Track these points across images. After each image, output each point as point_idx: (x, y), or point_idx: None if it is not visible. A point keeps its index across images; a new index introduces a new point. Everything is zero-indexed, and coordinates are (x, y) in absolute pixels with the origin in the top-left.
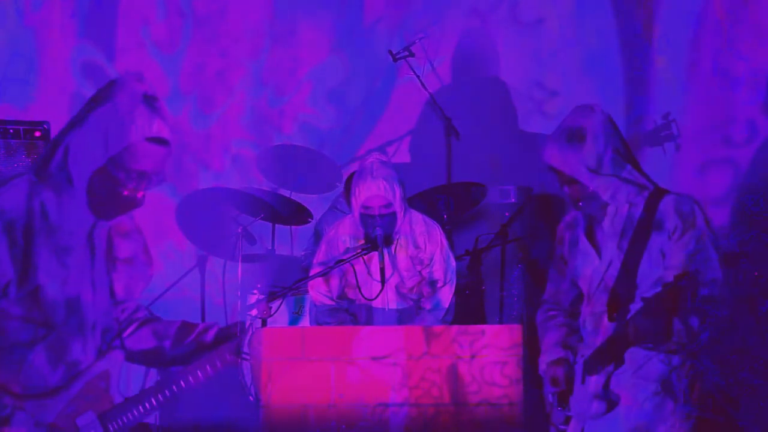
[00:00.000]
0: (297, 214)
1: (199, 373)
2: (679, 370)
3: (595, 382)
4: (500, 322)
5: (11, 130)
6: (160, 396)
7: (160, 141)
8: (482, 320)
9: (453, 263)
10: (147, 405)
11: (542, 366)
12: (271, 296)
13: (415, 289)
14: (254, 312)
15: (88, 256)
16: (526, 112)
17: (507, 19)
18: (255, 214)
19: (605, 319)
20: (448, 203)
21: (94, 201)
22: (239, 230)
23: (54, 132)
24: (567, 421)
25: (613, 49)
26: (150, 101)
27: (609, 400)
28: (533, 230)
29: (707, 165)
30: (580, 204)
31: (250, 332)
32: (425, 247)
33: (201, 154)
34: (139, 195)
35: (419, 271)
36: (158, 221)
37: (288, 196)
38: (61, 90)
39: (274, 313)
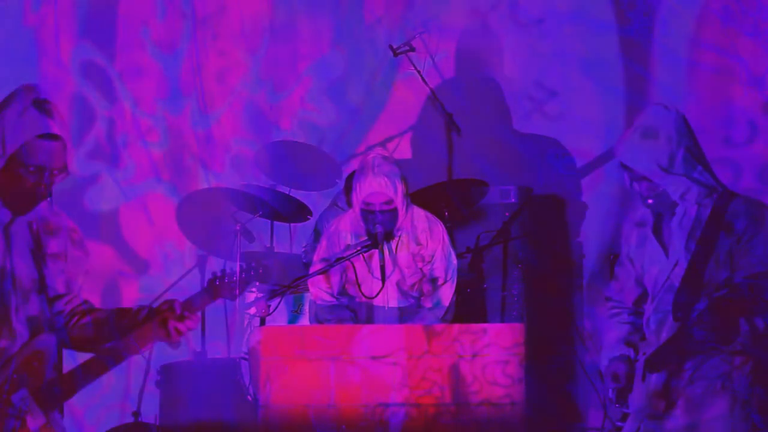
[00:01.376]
0: (296, 212)
1: (131, 346)
2: (740, 370)
3: (655, 380)
4: (502, 321)
5: None
6: (93, 370)
7: (51, 137)
8: (484, 319)
9: (454, 261)
10: (80, 380)
11: (603, 362)
12: (270, 294)
13: (416, 287)
14: (253, 310)
15: (4, 248)
16: (526, 112)
17: (507, 19)
18: (253, 211)
19: (670, 319)
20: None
21: (5, 197)
22: (237, 227)
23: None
24: (624, 417)
25: (613, 49)
26: (39, 104)
27: (669, 399)
28: (533, 230)
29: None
30: (649, 202)
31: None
32: (427, 244)
33: (201, 154)
34: (42, 188)
35: (420, 268)
36: (158, 221)
37: (287, 193)
38: (61, 90)
39: (273, 311)
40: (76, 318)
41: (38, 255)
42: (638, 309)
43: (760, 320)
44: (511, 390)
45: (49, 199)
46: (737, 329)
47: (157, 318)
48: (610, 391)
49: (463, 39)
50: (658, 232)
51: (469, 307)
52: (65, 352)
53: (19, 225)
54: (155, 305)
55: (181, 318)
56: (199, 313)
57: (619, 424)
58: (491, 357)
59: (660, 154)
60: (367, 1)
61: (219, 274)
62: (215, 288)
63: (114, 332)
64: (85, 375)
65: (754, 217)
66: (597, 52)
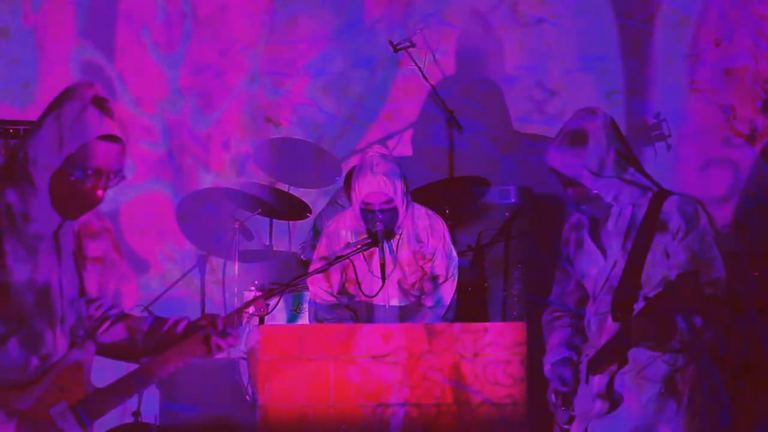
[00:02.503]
0: (295, 209)
1: (169, 363)
2: (683, 371)
3: (598, 381)
4: (503, 320)
5: (11, 130)
6: (132, 385)
7: (112, 138)
8: (485, 318)
9: (455, 259)
10: (120, 394)
11: (546, 366)
12: (269, 293)
13: (416, 285)
14: (251, 309)
15: (54, 254)
16: (526, 112)
17: (507, 19)
18: (252, 209)
19: (609, 320)
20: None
21: (57, 201)
22: (236, 225)
23: None
24: (570, 420)
25: (613, 48)
26: (99, 102)
27: (612, 399)
28: (533, 230)
29: (707, 165)
30: (582, 207)
31: (234, 325)
32: (428, 242)
33: (201, 154)
34: (99, 193)
35: (421, 267)
36: (158, 221)
37: (286, 190)
38: (61, 90)
39: (272, 310)
40: (107, 323)
41: (79, 258)
42: (580, 312)
43: (698, 318)
44: (512, 390)
45: None
46: (674, 327)
47: (199, 334)
48: (554, 395)
49: (463, 39)
50: (594, 234)
51: (470, 305)
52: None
53: (66, 230)
54: (193, 318)
55: (224, 335)
56: (239, 330)
57: (566, 427)
58: (492, 356)
59: (589, 159)
60: (367, 1)
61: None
62: (255, 304)
63: (150, 343)
64: (122, 389)
65: (687, 215)
66: (597, 52)
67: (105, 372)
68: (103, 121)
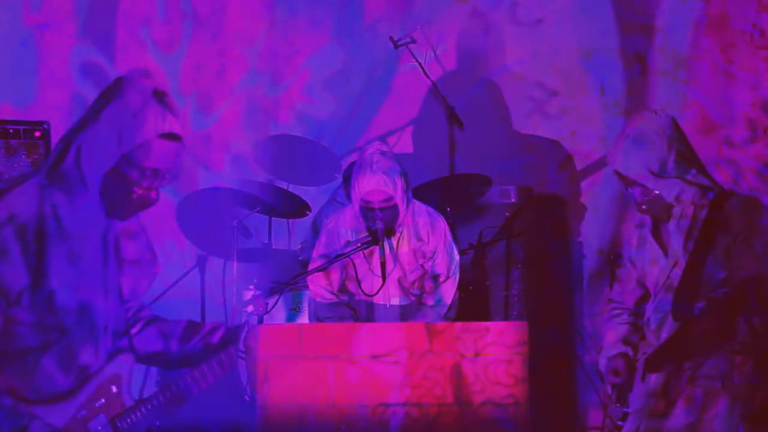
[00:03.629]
0: (294, 207)
1: (208, 375)
2: (740, 369)
3: (655, 380)
4: (505, 319)
5: (11, 130)
6: (170, 399)
7: (173, 137)
8: (486, 317)
9: (456, 257)
10: (158, 408)
11: (602, 361)
12: (268, 292)
13: (417, 284)
14: (250, 308)
15: (101, 260)
16: (526, 112)
17: (507, 19)
18: (251, 207)
19: (670, 319)
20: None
21: (108, 202)
22: (234, 223)
23: (54, 132)
24: (624, 417)
25: (613, 49)
26: (160, 97)
27: (668, 398)
28: (535, 229)
29: (707, 165)
30: (644, 207)
31: (246, 329)
32: (428, 240)
33: (201, 154)
34: (153, 194)
35: (421, 265)
36: (158, 221)
37: (285, 188)
38: (61, 90)
39: (271, 309)
40: (138, 325)
41: (118, 260)
42: (639, 310)
43: (758, 319)
44: (514, 390)
45: None
46: (736, 328)
47: (238, 345)
48: (610, 388)
49: (463, 39)
50: (656, 233)
51: (471, 304)
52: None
53: (111, 232)
54: (231, 325)
55: None
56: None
57: (620, 423)
58: (494, 356)
59: (651, 160)
60: (368, 2)
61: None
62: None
63: (185, 350)
64: (161, 403)
65: (750, 216)
66: (597, 52)
67: (140, 383)
68: (165, 118)
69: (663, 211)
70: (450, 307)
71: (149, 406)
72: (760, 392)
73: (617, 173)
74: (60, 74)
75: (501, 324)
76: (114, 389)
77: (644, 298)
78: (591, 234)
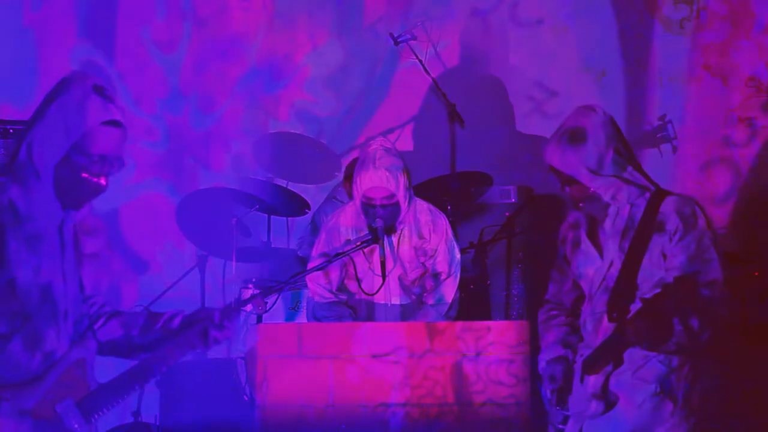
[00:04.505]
0: (294, 205)
1: (168, 357)
2: (678, 371)
3: (593, 381)
4: (506, 319)
5: (11, 130)
6: (133, 381)
7: (115, 123)
8: (487, 316)
9: (458, 255)
10: (122, 390)
11: (541, 364)
12: (267, 291)
13: (417, 282)
14: (249, 307)
15: (58, 248)
16: (526, 112)
17: (507, 19)
18: (249, 204)
19: (605, 320)
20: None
21: (61, 190)
22: (233, 221)
23: None
24: (565, 420)
25: (613, 49)
26: (100, 90)
27: (607, 400)
28: (536, 227)
29: (707, 165)
30: (581, 205)
31: (230, 318)
32: (430, 238)
33: (201, 154)
34: (103, 181)
35: (422, 263)
36: (158, 221)
37: (284, 186)
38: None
39: (270, 308)
40: (101, 320)
41: (77, 254)
42: (576, 311)
43: (695, 320)
44: (515, 390)
45: None
46: (671, 329)
47: (197, 327)
48: (549, 392)
49: (463, 39)
50: (592, 233)
51: (472, 303)
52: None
53: (68, 224)
54: (188, 312)
55: (221, 327)
56: (236, 323)
57: (561, 427)
58: (495, 355)
59: (588, 157)
60: (368, 2)
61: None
62: (251, 298)
63: (147, 338)
64: (124, 385)
65: (685, 216)
66: (597, 52)
67: (107, 368)
68: (106, 107)
69: (599, 210)
70: (451, 306)
71: (113, 388)
72: (699, 394)
73: (554, 170)
74: (60, 74)
75: (502, 323)
76: (79, 373)
77: (580, 298)
78: None
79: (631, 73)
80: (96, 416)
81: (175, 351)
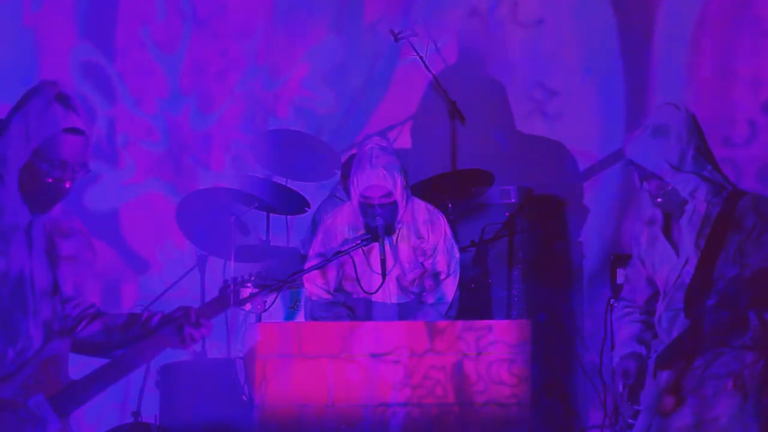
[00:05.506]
0: (293, 204)
1: (144, 353)
2: (752, 367)
3: (666, 377)
4: (507, 318)
5: None
6: (106, 376)
7: (76, 131)
8: (489, 316)
9: (457, 254)
10: (94, 385)
11: (615, 359)
12: (266, 290)
13: (416, 282)
14: (248, 306)
15: (26, 250)
16: (526, 112)
17: (507, 19)
18: (248, 203)
19: (681, 317)
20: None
21: (26, 195)
22: (232, 220)
23: None
24: (636, 415)
25: (613, 49)
26: (63, 99)
27: (679, 396)
28: (534, 230)
29: None
30: (659, 200)
31: (208, 317)
32: (428, 237)
33: (201, 154)
34: (66, 185)
35: (421, 263)
36: (158, 221)
37: (284, 184)
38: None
39: (269, 307)
40: (84, 321)
41: (52, 257)
42: (650, 308)
43: None
44: (517, 390)
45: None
46: (746, 324)
47: (172, 325)
48: (621, 386)
49: (463, 39)
50: (667, 230)
51: (473, 302)
52: (77, 358)
53: (37, 226)
54: (167, 311)
55: (197, 325)
56: (212, 321)
57: (631, 421)
58: (496, 355)
59: (671, 152)
60: (367, 6)
61: (230, 282)
62: (227, 296)
63: (126, 338)
64: (99, 381)
65: (763, 214)
66: (597, 52)
67: (81, 365)
68: (67, 115)
69: (677, 206)
70: (451, 306)
71: (85, 384)
72: None
73: (634, 164)
74: (60, 74)
75: (503, 322)
76: (51, 369)
77: (654, 296)
78: (591, 234)
79: (631, 72)
80: (69, 412)
81: (150, 347)
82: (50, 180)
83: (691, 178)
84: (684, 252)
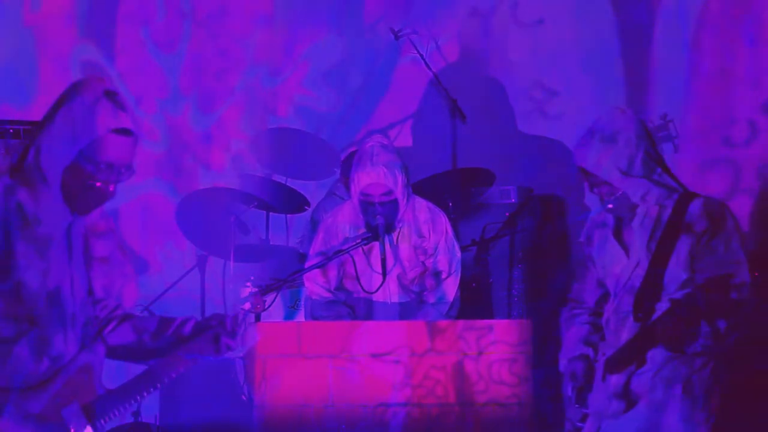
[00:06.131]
0: (293, 203)
1: (179, 364)
2: (700, 372)
3: (615, 381)
4: (508, 317)
5: (11, 130)
6: (141, 387)
7: (125, 132)
8: (489, 315)
9: (458, 253)
10: (129, 396)
11: (563, 362)
12: (266, 289)
13: (416, 281)
14: (247, 306)
15: (66, 252)
16: (526, 112)
17: (507, 19)
18: (248, 202)
19: (630, 319)
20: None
21: (69, 196)
22: (231, 219)
23: None
24: (584, 418)
25: (613, 49)
26: (111, 96)
27: (628, 399)
28: (534, 230)
29: (707, 165)
30: (610, 206)
31: (241, 325)
32: (429, 236)
33: (201, 154)
34: (111, 188)
35: (422, 262)
36: (158, 221)
37: (283, 182)
38: (61, 90)
39: (269, 307)
40: (113, 324)
41: (87, 258)
42: (599, 310)
43: (722, 322)
44: (518, 390)
45: None
46: (697, 332)
47: (208, 333)
48: (569, 389)
49: (463, 39)
50: (618, 233)
51: (474, 302)
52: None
53: (76, 228)
54: (200, 318)
55: (233, 334)
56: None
57: (579, 424)
58: (497, 355)
59: (619, 158)
60: (367, 4)
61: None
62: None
63: (159, 343)
64: (134, 390)
65: (713, 218)
66: (597, 53)
67: (114, 373)
68: (116, 115)
69: (628, 210)
70: (452, 305)
71: (120, 394)
72: (720, 396)
73: (584, 171)
74: (60, 74)
75: (504, 322)
76: (86, 378)
77: (604, 297)
78: None
79: (631, 72)
80: (102, 422)
81: (185, 357)
82: (96, 183)
83: (641, 182)
84: (635, 255)
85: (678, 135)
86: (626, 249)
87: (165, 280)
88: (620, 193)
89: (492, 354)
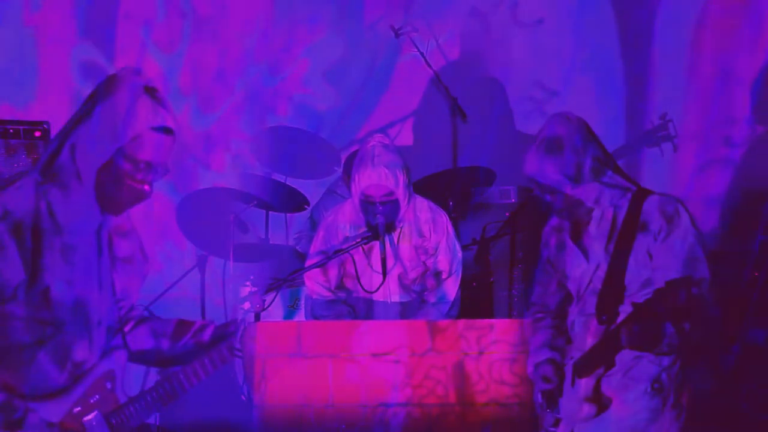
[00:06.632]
0: (292, 202)
1: (200, 372)
2: (669, 370)
3: (585, 384)
4: (509, 317)
5: (11, 130)
6: (163, 396)
7: (165, 130)
8: (490, 314)
9: (459, 253)
10: (151, 405)
11: (530, 368)
12: (266, 288)
13: (417, 281)
14: (247, 305)
15: (95, 254)
16: (526, 112)
17: (507, 19)
18: (247, 201)
19: (594, 321)
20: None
21: (103, 195)
22: (231, 218)
23: (54, 132)
24: (556, 423)
25: (613, 49)
26: (151, 92)
27: (600, 402)
28: (534, 230)
29: (707, 165)
30: (564, 213)
31: (242, 327)
32: (430, 236)
33: (201, 154)
34: (147, 187)
35: (423, 262)
36: (158, 221)
37: (283, 181)
38: (61, 90)
39: (268, 306)
40: (130, 324)
41: (111, 257)
42: (562, 312)
43: (687, 322)
44: (519, 389)
45: None
46: (662, 333)
47: (228, 340)
48: (540, 395)
49: (463, 39)
50: (576, 236)
51: (474, 301)
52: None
53: (105, 228)
54: (219, 323)
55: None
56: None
57: (552, 430)
58: (498, 354)
59: (567, 166)
60: (368, 2)
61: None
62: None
63: (177, 348)
64: (157, 398)
65: (668, 214)
66: (597, 52)
67: (133, 380)
68: (157, 112)
69: (583, 214)
70: (452, 305)
71: (142, 403)
72: (689, 393)
73: (534, 181)
74: (60, 74)
75: (505, 322)
76: (108, 385)
77: (566, 299)
78: None
79: (631, 72)
80: (123, 430)
81: (206, 365)
82: (133, 184)
83: (592, 186)
84: (594, 258)
85: (677, 135)
86: (585, 253)
87: (165, 280)
88: (574, 199)
89: (493, 354)
